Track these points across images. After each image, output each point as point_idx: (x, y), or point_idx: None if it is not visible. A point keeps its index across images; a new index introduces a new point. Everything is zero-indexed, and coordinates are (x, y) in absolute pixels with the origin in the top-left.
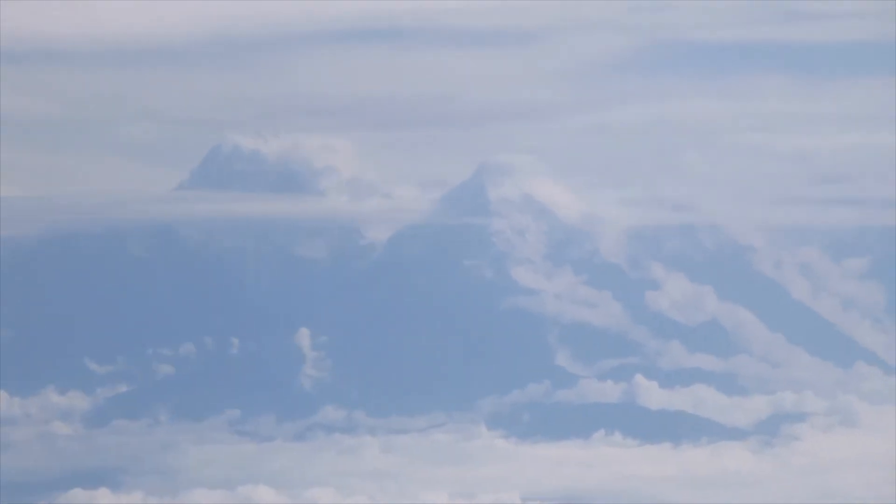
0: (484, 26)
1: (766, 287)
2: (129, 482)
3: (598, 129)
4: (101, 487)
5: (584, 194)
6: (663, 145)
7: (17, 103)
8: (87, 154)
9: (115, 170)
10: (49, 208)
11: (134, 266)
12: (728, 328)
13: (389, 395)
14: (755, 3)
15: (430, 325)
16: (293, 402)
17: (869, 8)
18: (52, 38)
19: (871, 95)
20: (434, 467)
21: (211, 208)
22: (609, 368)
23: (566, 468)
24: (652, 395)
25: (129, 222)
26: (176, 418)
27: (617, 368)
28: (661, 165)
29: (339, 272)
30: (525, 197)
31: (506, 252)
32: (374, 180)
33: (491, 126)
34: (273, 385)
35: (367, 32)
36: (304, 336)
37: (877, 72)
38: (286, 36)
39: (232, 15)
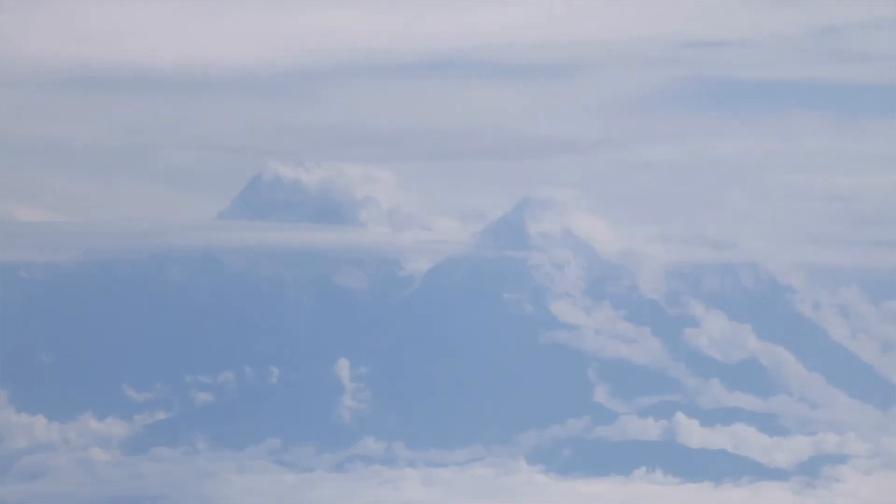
0: (528, 60)
1: (804, 327)
2: None
3: (639, 164)
4: None
5: (623, 230)
6: (704, 182)
7: (59, 129)
8: (128, 180)
9: (157, 197)
10: (90, 234)
11: (174, 293)
12: (767, 367)
13: (429, 428)
14: (799, 42)
15: (469, 358)
16: (332, 433)
17: None
18: (94, 64)
19: None
20: (475, 501)
21: (251, 236)
22: (648, 405)
23: None
24: (692, 433)
25: (170, 249)
26: (215, 447)
27: (656, 405)
28: (702, 202)
29: (378, 303)
30: (565, 231)
31: (545, 286)
32: (414, 211)
33: (533, 159)
34: (312, 415)
35: (411, 64)
36: (343, 367)
37: None
38: (329, 65)
39: (276, 45)
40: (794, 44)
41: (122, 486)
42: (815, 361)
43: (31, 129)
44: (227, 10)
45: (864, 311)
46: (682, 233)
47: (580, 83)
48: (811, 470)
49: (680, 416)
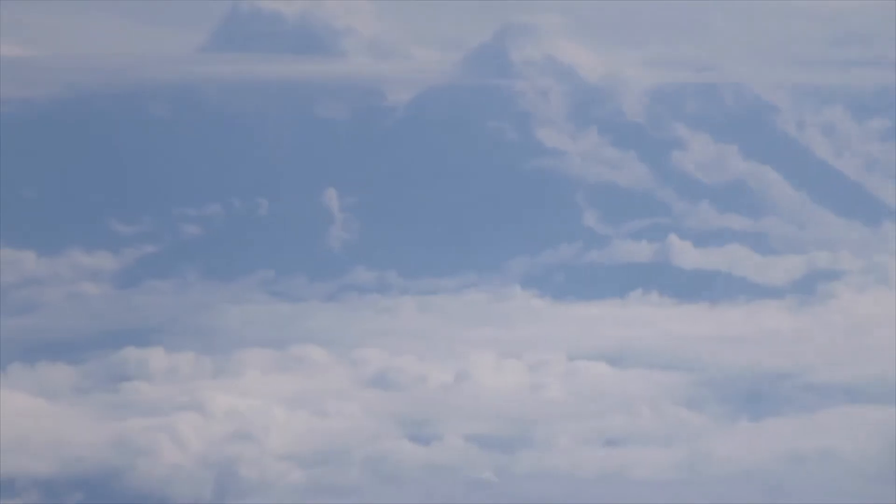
0: None
1: (790, 147)
2: (170, 341)
3: None
4: (154, 346)
5: (607, 54)
6: (688, 5)
7: None
8: (105, 14)
9: (135, 30)
10: (67, 69)
11: (155, 127)
12: (754, 188)
13: (419, 256)
14: None
15: (456, 186)
16: (324, 263)
17: None
18: None
19: None
20: (474, 327)
21: (231, 69)
22: (637, 229)
23: (606, 328)
24: (686, 254)
25: (150, 83)
26: (206, 278)
27: (646, 228)
28: (685, 25)
29: (361, 134)
30: (547, 57)
31: (529, 113)
32: (395, 41)
33: None
34: (302, 246)
35: None
36: (331, 197)
37: None
38: None
39: None
40: None
41: (117, 318)
42: (802, 181)
43: None
44: None
45: (849, 130)
46: (666, 56)
47: None
48: (806, 287)
49: (673, 238)
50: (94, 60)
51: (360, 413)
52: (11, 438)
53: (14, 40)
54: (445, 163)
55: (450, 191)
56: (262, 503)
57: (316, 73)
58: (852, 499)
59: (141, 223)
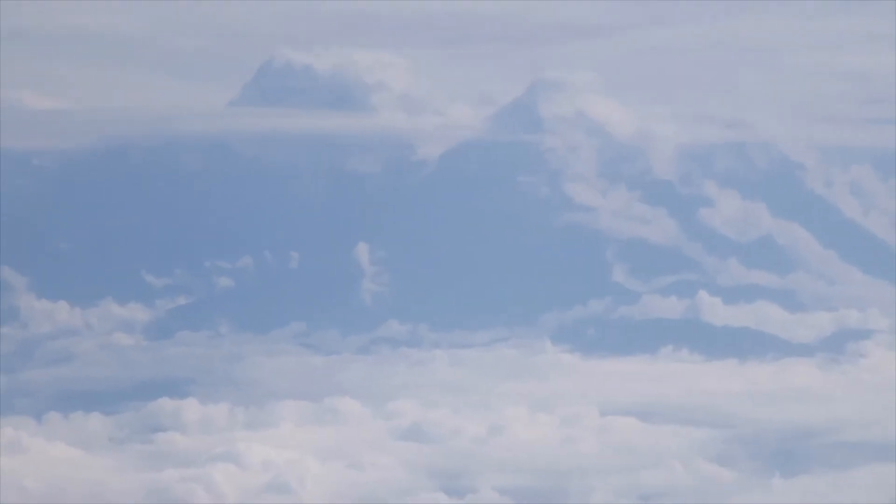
0: None
1: (817, 205)
2: (203, 393)
3: (652, 47)
4: (187, 397)
5: (637, 111)
6: (717, 64)
7: (70, 16)
8: (139, 67)
9: (169, 83)
10: (102, 121)
11: (187, 180)
12: (782, 245)
13: (451, 310)
14: None
15: (486, 240)
16: (355, 317)
17: None
18: None
19: None
20: (506, 381)
21: (263, 123)
22: (666, 285)
23: (636, 383)
24: (716, 311)
25: (183, 136)
26: (239, 331)
27: (675, 284)
28: (715, 83)
29: (392, 188)
30: (578, 113)
31: (559, 169)
32: (426, 96)
33: (544, 43)
34: (334, 299)
35: None
36: (362, 251)
37: None
38: None
39: None
40: None
41: (150, 369)
42: (830, 238)
43: (41, 16)
44: None
45: (876, 188)
46: (695, 113)
47: None
48: (835, 345)
49: (703, 295)
50: (127, 113)
51: (394, 465)
52: (48, 488)
53: (48, 92)
54: (475, 217)
55: (480, 245)
56: None
57: (347, 127)
58: None
59: (173, 275)
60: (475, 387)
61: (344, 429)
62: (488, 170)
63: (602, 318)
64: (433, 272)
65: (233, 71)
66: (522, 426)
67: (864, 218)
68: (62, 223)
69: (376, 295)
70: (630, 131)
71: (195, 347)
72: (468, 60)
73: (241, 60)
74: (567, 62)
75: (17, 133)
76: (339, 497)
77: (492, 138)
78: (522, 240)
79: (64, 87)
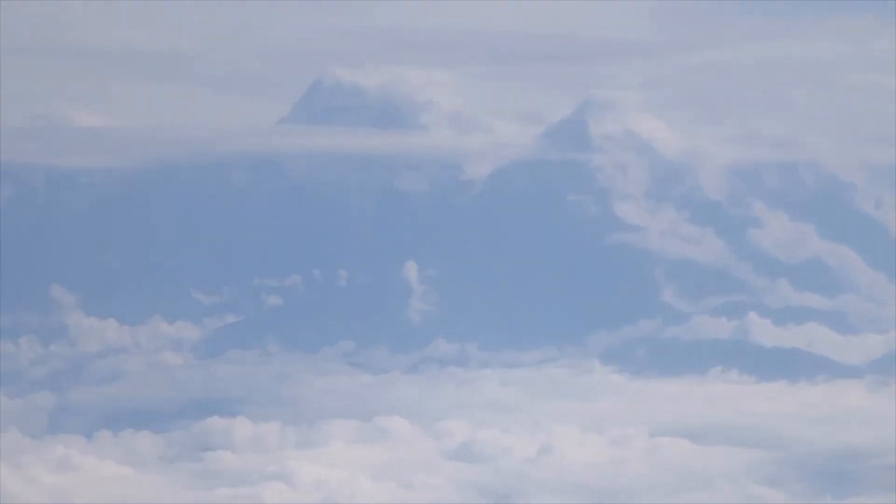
0: None
1: (866, 226)
2: (253, 411)
3: (702, 67)
4: (237, 416)
5: (686, 131)
6: (765, 83)
7: (120, 34)
8: (189, 85)
9: (218, 102)
10: (152, 139)
11: (237, 199)
12: (832, 267)
13: (499, 330)
14: None
15: (535, 259)
16: (404, 335)
17: None
18: None
19: None
20: (555, 401)
21: (313, 142)
22: (715, 306)
23: (686, 404)
24: (766, 332)
25: (233, 155)
26: (288, 349)
27: (724, 305)
28: (763, 103)
29: (441, 207)
30: (627, 133)
31: (608, 188)
32: (475, 115)
33: (593, 62)
34: (383, 318)
35: None
36: (411, 269)
37: None
38: None
39: None
40: None
41: (200, 388)
42: (879, 260)
43: (91, 34)
44: None
45: None
46: (744, 133)
47: None
48: (885, 367)
49: (752, 316)
50: (177, 131)
51: (445, 485)
52: None
53: (98, 110)
54: (524, 236)
55: (529, 264)
56: None
57: (396, 145)
58: None
59: (222, 293)
60: (524, 407)
61: (394, 448)
62: (537, 188)
63: (651, 339)
64: (482, 291)
65: (283, 89)
66: (572, 446)
67: None
68: (111, 241)
69: (425, 314)
70: (678, 151)
71: (244, 366)
72: (517, 79)
73: (291, 79)
74: (616, 81)
75: (66, 151)
76: None
77: (540, 157)
78: (571, 259)
79: (114, 105)
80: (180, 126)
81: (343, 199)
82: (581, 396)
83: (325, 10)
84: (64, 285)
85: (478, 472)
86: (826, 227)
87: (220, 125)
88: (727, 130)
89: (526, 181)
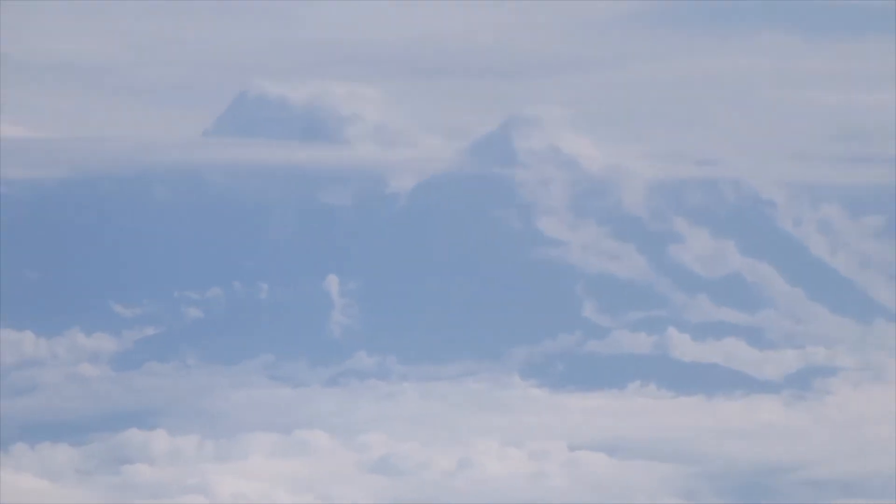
0: None
1: (786, 243)
2: (172, 424)
3: (625, 83)
4: (156, 429)
5: (609, 147)
6: (688, 100)
7: (40, 45)
8: (112, 97)
9: (141, 114)
10: (73, 151)
11: (159, 210)
12: (751, 283)
13: (420, 343)
14: None
15: (457, 274)
16: (324, 348)
17: None
18: None
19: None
20: (475, 415)
21: (237, 154)
22: (636, 320)
23: (605, 418)
24: (684, 347)
25: (155, 166)
26: (207, 362)
27: (644, 320)
28: (687, 120)
29: (364, 220)
30: (551, 148)
31: (531, 203)
32: (400, 129)
33: (518, 78)
34: (303, 331)
35: None
36: (332, 282)
37: None
38: None
39: None
40: None
41: (117, 400)
42: (797, 277)
43: (13, 43)
44: None
45: (844, 227)
46: (667, 150)
47: (567, 1)
48: (802, 382)
49: (672, 331)
50: (99, 143)
51: (364, 498)
52: None
53: (20, 121)
54: (447, 250)
55: (450, 278)
56: None
57: (320, 159)
58: None
59: (142, 305)
60: (444, 420)
61: (314, 461)
62: (460, 203)
63: (571, 353)
64: (403, 305)
65: (207, 101)
66: (492, 460)
67: (832, 256)
68: (31, 253)
69: (345, 327)
70: (601, 166)
71: (163, 378)
72: (443, 93)
73: (215, 91)
74: (541, 97)
75: None
76: None
77: (465, 171)
78: (493, 273)
79: (37, 116)
80: (103, 137)
81: (265, 211)
82: (501, 410)
83: (251, 23)
84: None
85: (397, 486)
86: (746, 243)
87: (144, 137)
88: (650, 147)
89: (450, 195)
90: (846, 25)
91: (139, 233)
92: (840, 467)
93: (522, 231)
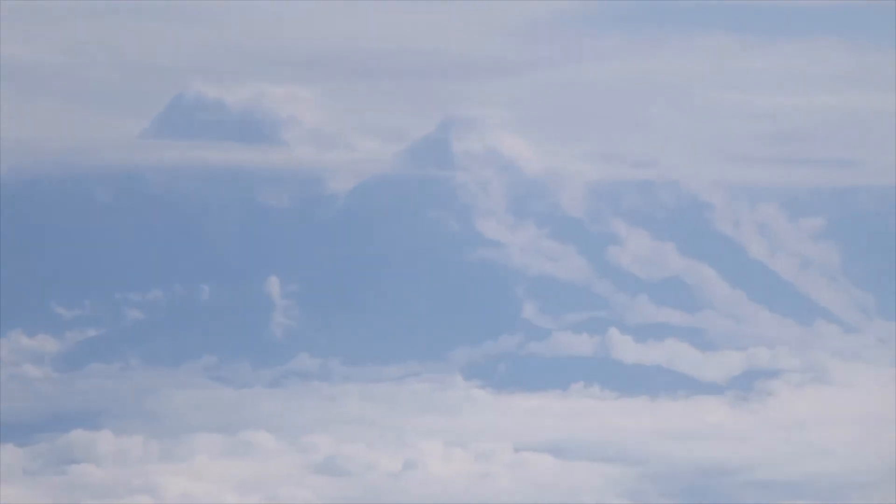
0: None
1: (725, 245)
2: (116, 425)
3: (562, 84)
4: (101, 430)
5: (547, 148)
6: (626, 102)
7: None
8: (50, 99)
9: (79, 116)
10: (10, 152)
11: (98, 212)
12: (691, 284)
13: (361, 345)
14: None
15: (397, 275)
16: (266, 350)
17: None
18: None
19: (827, 56)
20: (418, 416)
21: (174, 156)
22: (576, 322)
23: (548, 419)
24: (627, 348)
25: (93, 168)
26: (150, 363)
27: (585, 322)
28: (625, 122)
29: (302, 222)
30: (489, 150)
31: (470, 205)
32: (337, 131)
33: (455, 79)
34: (245, 332)
35: None
36: (273, 284)
37: (836, 33)
38: None
39: None
40: None
41: (60, 401)
42: (737, 278)
43: None
44: None
45: (782, 229)
46: (605, 151)
47: (505, 2)
48: (744, 384)
49: (613, 332)
50: (36, 144)
51: (311, 499)
52: None
53: None
54: (386, 252)
55: (391, 280)
56: None
57: (258, 161)
58: None
59: (83, 307)
60: (387, 422)
61: (259, 462)
62: (399, 204)
63: (513, 354)
64: (345, 307)
65: (144, 103)
66: (437, 461)
67: (771, 258)
68: None
69: (287, 328)
70: (540, 168)
71: (106, 380)
72: (379, 95)
73: (152, 93)
74: (478, 99)
75: None
76: None
77: (402, 173)
78: (433, 275)
79: None
80: (42, 139)
81: (205, 213)
82: (444, 411)
83: (188, 25)
84: None
85: (344, 487)
86: (685, 245)
87: (81, 138)
88: (588, 148)
89: (387, 197)
90: (782, 28)
91: (77, 235)
92: (783, 468)
93: (461, 233)
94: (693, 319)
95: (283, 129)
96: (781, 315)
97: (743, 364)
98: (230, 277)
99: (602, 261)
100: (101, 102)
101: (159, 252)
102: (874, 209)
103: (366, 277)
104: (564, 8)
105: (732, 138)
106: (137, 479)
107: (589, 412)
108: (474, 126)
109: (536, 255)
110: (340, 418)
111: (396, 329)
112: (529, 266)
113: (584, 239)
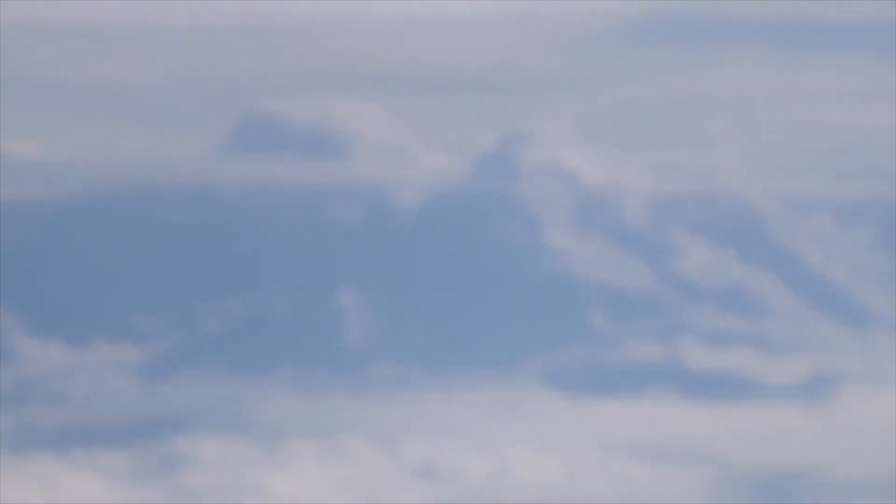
0: None
1: (782, 254)
2: (211, 431)
3: (622, 99)
4: (201, 435)
5: (609, 162)
6: (685, 116)
7: (51, 66)
8: (121, 117)
9: (149, 133)
10: (84, 170)
11: (170, 228)
12: (752, 292)
13: (437, 353)
14: None
15: (467, 287)
16: (344, 359)
17: None
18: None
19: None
20: (501, 421)
21: (242, 172)
22: (644, 329)
23: (627, 424)
24: (696, 355)
25: (163, 185)
26: (232, 372)
27: (653, 329)
28: (683, 135)
29: (371, 237)
30: (552, 164)
31: (536, 217)
32: (404, 146)
33: (519, 94)
34: (321, 342)
35: None
36: (346, 295)
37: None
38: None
39: None
40: None
41: (152, 408)
42: (796, 286)
43: (28, 67)
44: None
45: (838, 238)
46: (665, 164)
47: (569, 18)
48: (811, 388)
49: (682, 339)
50: (108, 163)
51: (417, 500)
52: None
53: (31, 142)
54: (455, 266)
55: (461, 292)
56: None
57: (325, 176)
58: None
59: (163, 318)
60: (472, 427)
61: (358, 466)
62: (466, 219)
63: (587, 361)
64: (417, 316)
65: (212, 120)
66: (526, 465)
67: (826, 266)
68: (52, 269)
69: (363, 338)
70: (602, 181)
71: (192, 388)
72: (445, 111)
73: (220, 110)
74: (541, 114)
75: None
76: None
77: (469, 187)
78: (503, 287)
79: (48, 137)
80: (112, 157)
81: (274, 228)
82: (525, 417)
83: (252, 42)
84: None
85: (441, 491)
86: (745, 254)
87: (151, 156)
88: (649, 161)
89: (454, 212)
90: (844, 44)
91: (152, 250)
92: (855, 470)
93: (528, 245)
94: (757, 326)
95: (350, 143)
96: (840, 322)
97: (808, 369)
98: (303, 289)
99: (666, 270)
100: (171, 120)
101: (233, 266)
102: None
103: (437, 289)
104: (626, 24)
105: (789, 151)
106: (245, 483)
107: (666, 417)
108: (538, 140)
109: (602, 266)
110: (426, 424)
111: (469, 338)
112: (596, 276)
113: (647, 249)
